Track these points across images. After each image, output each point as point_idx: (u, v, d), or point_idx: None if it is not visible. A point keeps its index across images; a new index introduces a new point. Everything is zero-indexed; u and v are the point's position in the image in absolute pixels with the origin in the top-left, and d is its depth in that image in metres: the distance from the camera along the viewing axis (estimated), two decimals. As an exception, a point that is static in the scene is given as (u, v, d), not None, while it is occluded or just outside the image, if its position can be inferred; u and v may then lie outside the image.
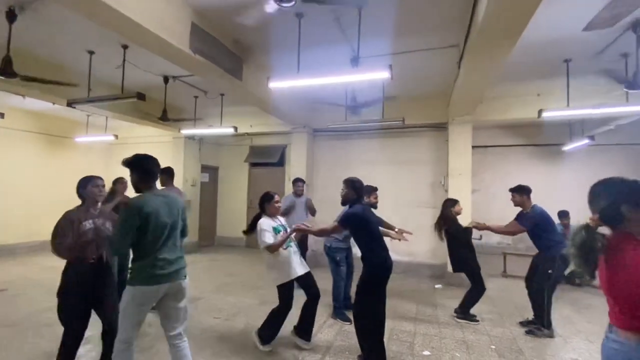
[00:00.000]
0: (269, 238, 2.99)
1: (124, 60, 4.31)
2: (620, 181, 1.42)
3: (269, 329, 3.13)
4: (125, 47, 4.17)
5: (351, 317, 3.08)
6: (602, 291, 1.45)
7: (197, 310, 4.10)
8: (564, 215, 5.62)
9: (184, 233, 2.39)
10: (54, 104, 5.30)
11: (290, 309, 3.11)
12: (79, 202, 2.50)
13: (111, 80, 5.19)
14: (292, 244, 3.16)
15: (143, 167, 2.25)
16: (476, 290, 3.93)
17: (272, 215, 3.19)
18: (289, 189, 6.18)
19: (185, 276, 2.27)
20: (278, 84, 3.50)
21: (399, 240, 3.84)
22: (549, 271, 3.52)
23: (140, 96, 4.16)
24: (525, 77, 5.02)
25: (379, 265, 2.77)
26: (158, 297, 2.16)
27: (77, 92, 4.73)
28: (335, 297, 3.98)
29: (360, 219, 2.82)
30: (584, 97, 4.91)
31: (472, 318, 3.93)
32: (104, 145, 8.73)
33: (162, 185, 4.15)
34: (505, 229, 3.78)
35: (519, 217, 3.74)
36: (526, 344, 3.37)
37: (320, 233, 3.10)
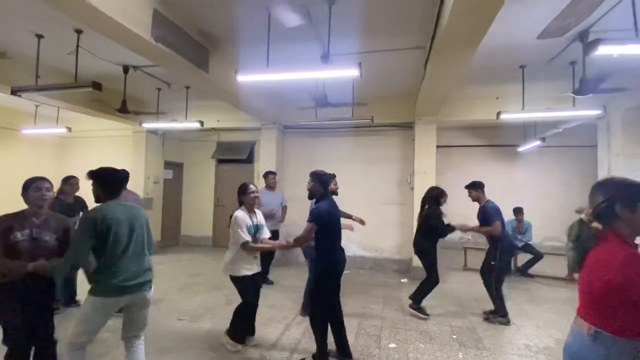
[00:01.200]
0: (245, 235, 2.91)
1: (78, 46, 3.99)
2: (622, 181, 1.45)
3: (234, 328, 3.08)
4: (79, 31, 3.86)
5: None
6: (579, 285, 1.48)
7: (159, 313, 3.92)
8: (518, 211, 5.99)
9: (150, 246, 2.33)
10: (-5, 91, 4.81)
11: (252, 304, 3.06)
12: (23, 200, 2.27)
13: (64, 67, 4.81)
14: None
15: (106, 182, 2.20)
16: (430, 281, 3.99)
17: (249, 209, 3.09)
18: (259, 185, 6.08)
19: (150, 287, 2.25)
20: (246, 78, 3.41)
21: (351, 228, 3.99)
22: (492, 263, 3.80)
23: (96, 86, 3.88)
24: (486, 81, 5.29)
25: (333, 264, 2.86)
26: (119, 307, 2.14)
27: (23, 79, 4.33)
28: None
29: (328, 217, 2.82)
30: (537, 101, 5.27)
31: (423, 311, 3.97)
32: (55, 139, 8.08)
33: None
34: (492, 229, 3.83)
35: (487, 215, 3.90)
36: (484, 332, 3.56)
37: (301, 243, 2.98)
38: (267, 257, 5.10)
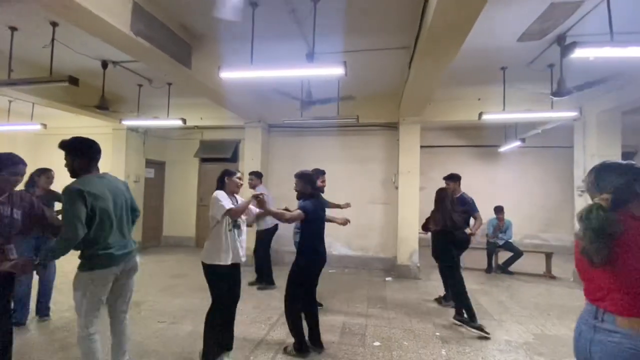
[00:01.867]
0: (227, 204, 2.65)
1: (53, 39, 3.84)
2: (625, 163, 1.41)
3: (207, 347, 2.77)
4: (54, 24, 3.71)
5: None
6: (585, 275, 1.39)
7: (139, 315, 3.81)
8: (499, 210, 6.14)
9: (134, 212, 2.39)
10: (-36, 85, 4.57)
11: (225, 304, 2.79)
12: None
13: (39, 61, 4.62)
14: (237, 230, 2.82)
15: (82, 151, 2.14)
16: (455, 287, 3.76)
17: (230, 193, 2.83)
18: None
19: (136, 254, 2.35)
20: (230, 75, 3.36)
21: (343, 225, 3.93)
22: (446, 256, 3.93)
23: (73, 80, 3.74)
24: (468, 82, 5.39)
25: (315, 259, 3.00)
26: (115, 276, 2.16)
27: (-6, 73, 4.13)
28: None
29: (313, 214, 2.94)
30: (517, 102, 5.40)
31: (469, 323, 3.57)
32: (29, 136, 7.76)
33: None
34: (479, 224, 4.31)
35: (469, 204, 4.28)
36: (467, 329, 3.61)
37: (280, 216, 2.90)
38: (264, 261, 5.06)
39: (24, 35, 3.94)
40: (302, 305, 3.03)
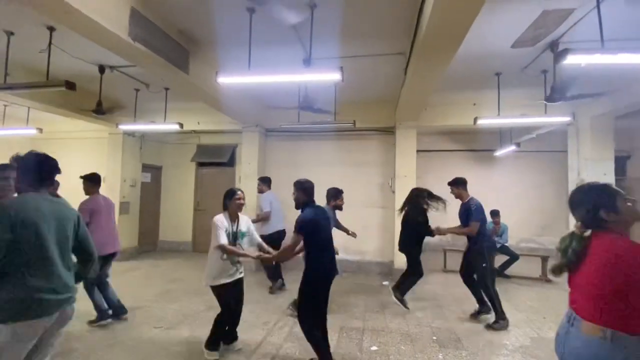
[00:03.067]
0: (222, 237, 2.87)
1: (50, 43, 3.84)
2: (593, 187, 1.57)
3: (211, 337, 3.01)
4: (51, 29, 3.72)
5: None
6: (573, 287, 1.60)
7: (135, 321, 3.79)
8: (495, 214, 6.16)
9: (85, 254, 1.96)
10: (-41, 89, 4.55)
11: (232, 311, 3.02)
12: None
13: (36, 65, 4.61)
14: (240, 241, 3.06)
15: (28, 168, 1.80)
16: (415, 275, 4.21)
17: (232, 214, 3.03)
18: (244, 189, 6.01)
19: (74, 301, 1.85)
20: (227, 80, 3.38)
21: (354, 235, 4.26)
22: (483, 265, 3.83)
23: (70, 85, 3.73)
24: (463, 87, 5.45)
25: (323, 273, 2.76)
26: (38, 334, 1.67)
27: (-10, 77, 4.12)
28: None
29: (313, 224, 2.72)
30: (512, 107, 5.46)
31: (405, 303, 4.16)
32: (25, 140, 7.70)
33: (86, 194, 3.75)
34: (468, 230, 3.89)
35: (468, 213, 3.92)
36: (463, 333, 3.62)
37: (283, 255, 2.95)
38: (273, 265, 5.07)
39: (20, 39, 3.93)
40: (318, 322, 2.81)
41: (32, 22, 3.57)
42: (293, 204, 2.95)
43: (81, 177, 3.77)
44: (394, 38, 3.86)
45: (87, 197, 3.74)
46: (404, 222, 4.29)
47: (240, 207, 3.05)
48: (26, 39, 3.93)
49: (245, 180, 6.57)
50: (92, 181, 3.77)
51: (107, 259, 3.73)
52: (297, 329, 3.59)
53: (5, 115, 6.63)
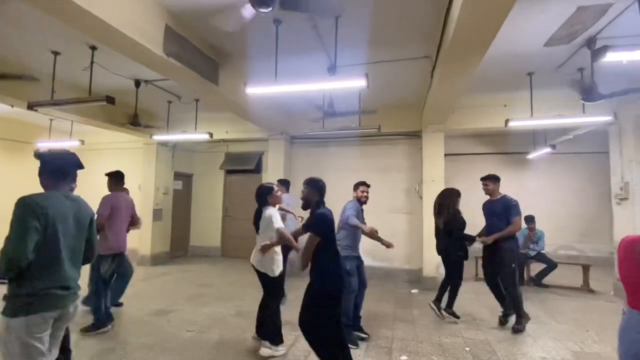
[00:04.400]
0: (279, 222, 3.04)
1: (92, 62, 4.12)
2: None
3: (272, 331, 3.16)
4: (93, 48, 4.00)
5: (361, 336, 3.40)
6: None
7: (169, 324, 3.92)
8: (530, 220, 5.89)
9: (89, 252, 1.97)
10: (12, 106, 4.96)
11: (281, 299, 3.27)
12: None
13: (78, 82, 4.96)
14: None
15: (49, 164, 1.83)
16: (451, 284, 4.13)
17: (274, 206, 3.21)
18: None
19: (78, 298, 1.88)
20: (255, 90, 3.48)
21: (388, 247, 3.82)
22: (512, 265, 3.77)
23: (110, 100, 3.98)
24: (493, 88, 5.29)
25: (339, 277, 2.51)
26: (49, 326, 1.71)
27: (39, 94, 4.47)
28: (345, 313, 3.31)
29: (331, 224, 2.53)
30: (546, 108, 5.22)
31: (455, 315, 4.10)
32: (68, 152, 8.27)
33: (110, 190, 3.91)
34: (512, 229, 3.82)
35: (508, 208, 3.85)
36: (499, 344, 3.47)
37: (304, 260, 2.52)
38: None
39: (65, 58, 4.25)
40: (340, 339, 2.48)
41: (76, 42, 3.85)
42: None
43: (106, 174, 3.96)
44: (419, 42, 3.82)
45: (109, 193, 3.89)
46: (444, 227, 4.11)
47: (280, 199, 3.18)
48: (71, 58, 4.24)
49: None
50: (115, 177, 3.93)
51: (118, 257, 3.80)
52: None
53: (52, 128, 7.16)
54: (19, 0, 2.58)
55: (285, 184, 5.37)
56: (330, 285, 2.44)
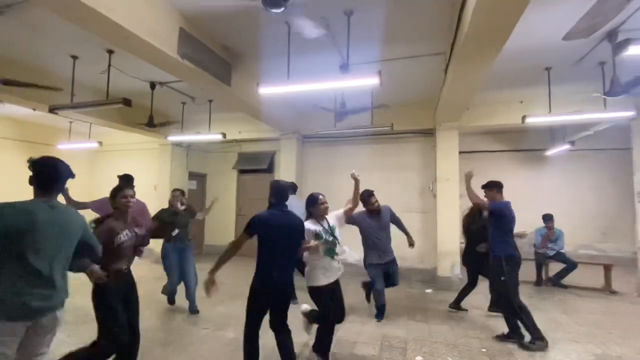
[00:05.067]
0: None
1: (109, 65, 4.23)
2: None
3: (320, 343, 2.97)
4: (110, 52, 4.10)
5: None
6: None
7: (186, 321, 4.01)
8: (548, 218, 5.74)
9: (91, 254, 2.04)
10: (34, 110, 5.14)
11: (329, 320, 2.92)
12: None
13: (96, 85, 5.09)
14: (335, 250, 2.94)
15: (42, 174, 1.85)
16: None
17: (318, 217, 2.97)
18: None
19: (57, 309, 1.79)
20: (268, 90, 3.50)
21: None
22: (502, 278, 3.40)
23: (127, 102, 4.08)
24: (509, 84, 5.17)
25: (265, 278, 2.57)
26: (21, 334, 1.68)
27: (59, 98, 4.61)
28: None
29: (266, 228, 2.55)
30: (564, 103, 5.08)
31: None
32: (88, 153, 8.51)
33: None
34: (473, 195, 3.65)
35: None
36: (516, 346, 3.39)
37: (226, 251, 2.79)
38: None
39: (83, 62, 4.37)
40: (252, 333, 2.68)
41: (94, 46, 3.96)
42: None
43: (118, 176, 3.95)
44: (432, 38, 3.77)
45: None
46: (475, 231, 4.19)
47: (325, 210, 2.98)
48: (89, 62, 4.36)
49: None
50: (121, 180, 3.77)
51: None
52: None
53: (71, 130, 7.38)
54: (40, 7, 2.67)
55: (292, 188, 5.37)
56: (255, 283, 2.62)
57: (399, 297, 5.10)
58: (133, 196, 2.54)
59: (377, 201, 4.17)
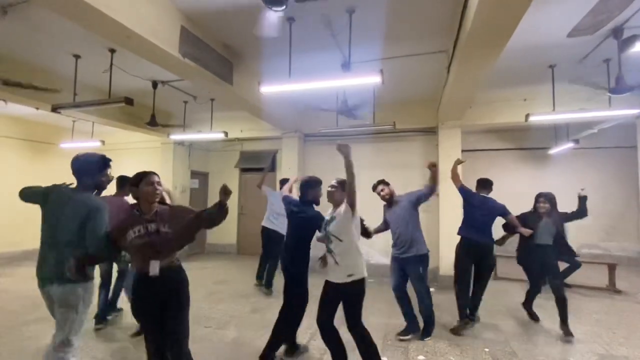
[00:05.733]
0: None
1: (111, 64, 4.23)
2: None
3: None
4: (112, 51, 4.10)
5: None
6: None
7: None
8: (551, 217, 5.69)
9: (89, 246, 2.02)
10: (37, 109, 5.16)
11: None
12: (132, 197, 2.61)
13: (98, 84, 5.09)
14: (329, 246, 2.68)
15: (72, 165, 2.26)
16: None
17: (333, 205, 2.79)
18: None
19: (55, 283, 2.02)
20: (269, 89, 3.49)
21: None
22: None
23: (129, 101, 4.08)
24: (512, 82, 5.13)
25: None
26: (46, 300, 2.12)
27: (62, 97, 4.62)
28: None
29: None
30: (568, 101, 5.04)
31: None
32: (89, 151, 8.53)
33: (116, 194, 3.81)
34: (455, 173, 4.01)
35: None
36: (520, 345, 3.38)
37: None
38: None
39: (86, 62, 4.38)
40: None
41: (96, 45, 3.96)
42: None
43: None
44: (434, 36, 3.74)
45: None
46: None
47: (330, 198, 2.78)
48: (91, 61, 4.36)
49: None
50: (117, 182, 3.72)
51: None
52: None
53: (74, 129, 7.40)
54: (42, 6, 2.67)
55: (283, 182, 5.36)
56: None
57: (401, 296, 5.08)
58: (160, 183, 2.20)
59: (383, 190, 3.81)
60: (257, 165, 7.99)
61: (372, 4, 3.13)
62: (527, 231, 3.77)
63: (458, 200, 5.69)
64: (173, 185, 7.51)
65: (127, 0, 2.67)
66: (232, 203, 8.39)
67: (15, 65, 4.34)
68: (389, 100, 5.85)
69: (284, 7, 2.60)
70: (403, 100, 6.01)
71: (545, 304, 4.63)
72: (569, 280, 5.53)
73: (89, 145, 7.55)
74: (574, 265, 5.49)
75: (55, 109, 4.47)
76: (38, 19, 3.42)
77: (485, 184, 3.98)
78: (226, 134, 6.00)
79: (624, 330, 3.76)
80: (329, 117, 5.82)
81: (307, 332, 3.70)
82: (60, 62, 4.42)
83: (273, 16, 2.76)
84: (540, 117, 4.73)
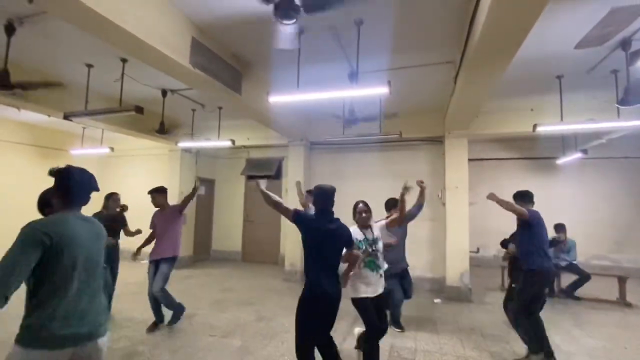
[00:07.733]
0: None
1: (123, 73, 4.31)
2: None
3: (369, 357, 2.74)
4: (124, 60, 4.18)
5: None
6: None
7: (192, 328, 4.00)
8: (560, 228, 5.63)
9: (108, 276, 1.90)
10: (49, 116, 5.26)
11: (376, 332, 2.75)
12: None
13: (109, 93, 5.18)
14: (377, 263, 2.81)
15: (61, 183, 1.63)
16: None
17: (361, 226, 2.89)
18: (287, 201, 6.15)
19: (105, 332, 1.64)
20: (277, 99, 3.52)
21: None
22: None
23: (139, 110, 4.14)
24: (520, 92, 5.12)
25: (317, 295, 2.39)
26: None
27: (74, 105, 4.71)
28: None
29: (314, 231, 2.48)
30: (576, 112, 5.01)
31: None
32: (99, 158, 8.65)
33: (157, 206, 4.12)
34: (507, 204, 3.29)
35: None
36: (528, 360, 3.32)
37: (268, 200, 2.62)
38: None
39: (98, 71, 4.46)
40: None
41: (109, 55, 4.04)
42: (337, 214, 2.69)
43: (149, 192, 4.11)
44: (442, 47, 3.77)
45: (158, 208, 4.13)
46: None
47: (365, 220, 2.85)
48: (103, 71, 4.45)
49: (292, 192, 6.72)
50: (158, 192, 4.18)
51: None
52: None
53: (84, 136, 7.52)
54: (57, 17, 2.74)
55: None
56: (304, 292, 2.45)
57: (407, 306, 5.03)
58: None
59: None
60: (263, 172, 7.96)
61: (380, 16, 3.17)
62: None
63: (465, 209, 5.69)
64: (180, 191, 7.56)
65: (140, 12, 2.73)
66: (238, 210, 8.43)
67: (30, 74, 4.43)
68: (396, 109, 5.86)
69: (294, 20, 2.63)
70: (410, 109, 6.02)
71: (553, 317, 4.55)
72: (578, 292, 5.44)
73: (98, 152, 7.67)
74: (584, 277, 5.41)
75: (67, 116, 4.56)
76: (53, 29, 3.51)
77: (531, 198, 3.47)
78: (233, 142, 6.05)
79: (636, 345, 3.68)
80: (335, 126, 5.85)
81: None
82: (74, 71, 4.51)
83: (290, 29, 2.81)
84: (548, 128, 4.69)
